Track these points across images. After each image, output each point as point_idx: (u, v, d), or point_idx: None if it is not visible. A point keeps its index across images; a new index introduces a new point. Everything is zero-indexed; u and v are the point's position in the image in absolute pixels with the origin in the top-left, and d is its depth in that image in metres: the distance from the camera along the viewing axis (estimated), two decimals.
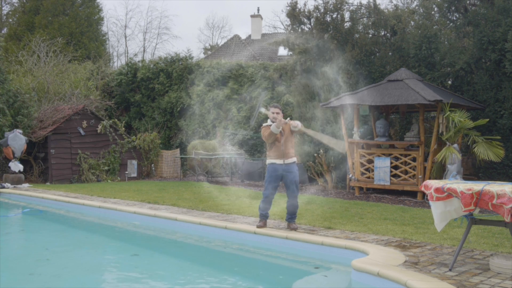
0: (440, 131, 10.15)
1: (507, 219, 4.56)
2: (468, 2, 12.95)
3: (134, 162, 15.98)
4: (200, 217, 7.99)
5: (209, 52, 29.80)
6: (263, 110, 7.11)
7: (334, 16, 13.84)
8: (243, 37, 27.56)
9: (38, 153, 14.76)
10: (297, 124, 6.89)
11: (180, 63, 18.38)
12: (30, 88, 16.64)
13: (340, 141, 7.37)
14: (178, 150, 17.17)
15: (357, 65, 13.07)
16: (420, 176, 10.32)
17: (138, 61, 19.99)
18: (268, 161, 7.02)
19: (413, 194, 10.65)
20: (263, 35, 27.93)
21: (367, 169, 11.22)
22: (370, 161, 11.12)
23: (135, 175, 15.95)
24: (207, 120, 17.08)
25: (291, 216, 7.03)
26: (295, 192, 6.95)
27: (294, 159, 7.02)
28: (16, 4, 29.35)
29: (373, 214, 8.44)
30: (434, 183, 5.11)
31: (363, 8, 14.00)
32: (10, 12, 30.04)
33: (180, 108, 17.76)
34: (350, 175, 11.42)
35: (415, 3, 15.00)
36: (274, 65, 16.55)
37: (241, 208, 8.92)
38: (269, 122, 6.98)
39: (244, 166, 14.58)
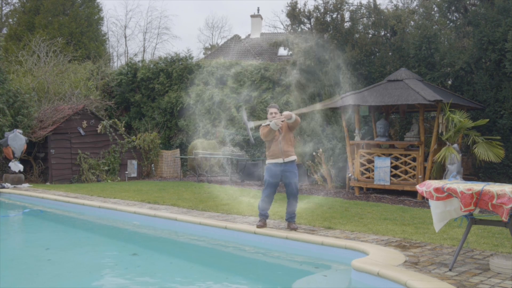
0: (440, 131, 10.16)
1: (505, 219, 4.56)
2: (468, 2, 12.95)
3: (134, 162, 15.98)
4: (200, 217, 7.99)
5: (209, 52, 29.77)
6: (252, 124, 7.09)
7: (334, 16, 13.85)
8: (243, 37, 27.53)
9: (38, 153, 14.75)
10: (288, 115, 6.76)
11: (180, 63, 18.39)
12: (30, 88, 16.62)
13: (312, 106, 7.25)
14: (178, 150, 17.16)
15: (357, 65, 13.06)
16: (420, 176, 10.33)
17: (138, 61, 20.00)
18: (268, 161, 7.02)
19: (413, 194, 10.64)
20: (263, 34, 27.89)
21: (367, 169, 11.22)
22: (370, 161, 11.12)
23: (135, 175, 15.95)
24: (207, 120, 17.07)
25: (290, 216, 7.03)
26: (294, 191, 6.95)
27: (294, 157, 7.01)
28: (16, 4, 29.37)
29: (373, 214, 8.44)
30: (433, 183, 5.11)
31: (363, 8, 14.01)
32: (10, 12, 30.05)
33: (180, 108, 17.76)
34: (350, 175, 11.41)
35: (415, 3, 15.02)
36: (274, 65, 16.55)
37: (241, 208, 8.91)
38: (267, 121, 6.99)
39: (244, 166, 14.56)
